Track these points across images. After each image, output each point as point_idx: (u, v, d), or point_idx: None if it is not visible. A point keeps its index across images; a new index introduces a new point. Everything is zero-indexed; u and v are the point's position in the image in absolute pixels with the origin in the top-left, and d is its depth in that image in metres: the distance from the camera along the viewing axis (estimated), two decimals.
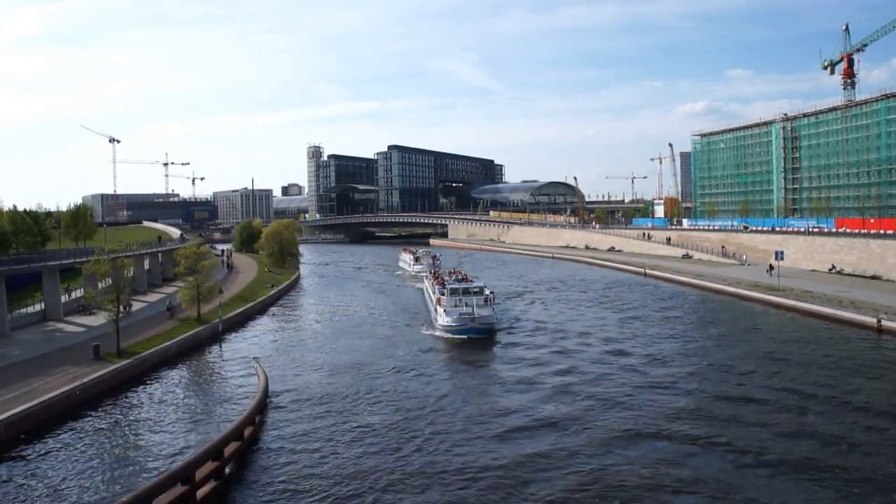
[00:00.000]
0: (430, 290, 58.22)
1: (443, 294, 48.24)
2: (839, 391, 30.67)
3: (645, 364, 36.50)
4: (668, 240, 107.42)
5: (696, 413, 27.79)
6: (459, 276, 58.27)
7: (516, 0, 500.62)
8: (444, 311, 46.17)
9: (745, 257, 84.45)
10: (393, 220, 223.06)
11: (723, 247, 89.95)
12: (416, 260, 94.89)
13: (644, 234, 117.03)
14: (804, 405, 28.53)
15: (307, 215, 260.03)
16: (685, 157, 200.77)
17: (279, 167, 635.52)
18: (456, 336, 44.67)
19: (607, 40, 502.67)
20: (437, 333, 46.38)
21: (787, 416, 27.18)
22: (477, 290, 48.35)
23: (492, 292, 49.97)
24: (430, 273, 66.12)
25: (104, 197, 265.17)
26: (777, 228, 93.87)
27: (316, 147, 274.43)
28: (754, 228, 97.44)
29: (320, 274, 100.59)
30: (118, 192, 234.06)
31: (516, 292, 69.12)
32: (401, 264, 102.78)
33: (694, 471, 21.88)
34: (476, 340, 43.81)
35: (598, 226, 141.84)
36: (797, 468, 21.93)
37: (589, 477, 21.52)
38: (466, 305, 45.86)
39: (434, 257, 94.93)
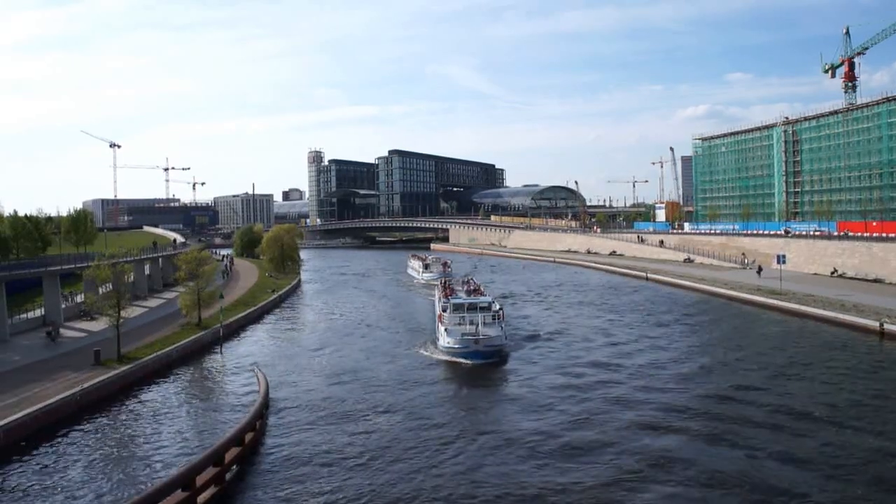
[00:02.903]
0: (437, 301, 52.12)
1: (445, 310, 42.95)
2: (842, 394, 30.60)
3: (669, 397, 31.10)
4: (661, 242, 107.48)
5: (709, 422, 27.57)
6: (471, 287, 54.95)
7: (515, 4, 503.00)
8: (446, 330, 40.49)
9: (746, 261, 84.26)
10: (394, 224, 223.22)
11: (743, 253, 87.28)
12: (426, 267, 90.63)
13: (638, 237, 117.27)
14: (807, 407, 28.41)
15: (308, 220, 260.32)
16: (686, 160, 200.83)
17: (280, 172, 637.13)
18: (457, 360, 38.86)
19: (607, 44, 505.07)
20: (438, 356, 40.59)
21: (791, 418, 27.08)
22: (484, 305, 42.96)
23: (501, 308, 44.37)
24: (441, 282, 61.38)
25: (104, 202, 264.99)
26: (780, 232, 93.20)
27: (317, 152, 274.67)
28: (796, 233, 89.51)
29: (322, 279, 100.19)
30: (119, 197, 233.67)
31: (520, 298, 68.96)
32: (409, 271, 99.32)
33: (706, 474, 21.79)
34: (481, 365, 37.93)
35: (599, 230, 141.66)
36: (803, 469, 21.83)
37: None
38: (471, 324, 40.16)
39: (445, 264, 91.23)
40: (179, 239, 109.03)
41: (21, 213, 70.43)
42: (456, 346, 39.17)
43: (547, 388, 33.19)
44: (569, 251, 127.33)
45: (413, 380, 35.71)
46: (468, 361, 38.36)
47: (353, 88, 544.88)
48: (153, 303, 61.68)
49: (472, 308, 42.25)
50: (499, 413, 30.11)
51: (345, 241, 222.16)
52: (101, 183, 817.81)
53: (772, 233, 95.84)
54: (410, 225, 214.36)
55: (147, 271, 69.76)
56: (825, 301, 52.31)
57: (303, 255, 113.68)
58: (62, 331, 46.90)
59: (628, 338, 45.96)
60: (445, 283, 59.02)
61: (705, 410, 28.68)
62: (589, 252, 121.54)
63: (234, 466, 22.94)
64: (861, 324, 45.00)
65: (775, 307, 54.95)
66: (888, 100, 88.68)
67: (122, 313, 38.23)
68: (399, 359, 41.07)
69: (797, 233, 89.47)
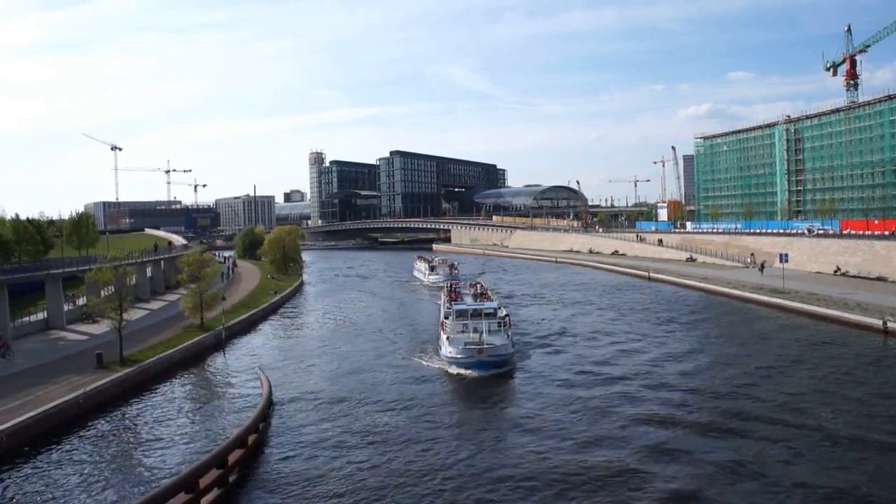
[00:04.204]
0: (442, 305, 49.59)
1: (447, 316, 40.44)
2: (847, 394, 30.53)
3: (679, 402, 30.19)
4: (660, 241, 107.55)
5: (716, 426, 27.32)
6: (478, 290, 53.07)
7: (516, 5, 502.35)
8: (448, 338, 37.55)
9: (749, 260, 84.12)
10: (396, 225, 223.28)
11: (752, 254, 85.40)
12: (432, 269, 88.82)
13: (638, 236, 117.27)
14: (812, 408, 28.38)
15: (310, 221, 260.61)
16: (688, 160, 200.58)
17: (281, 174, 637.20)
18: (460, 370, 35.80)
19: (607, 44, 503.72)
20: (441, 365, 37.58)
21: (796, 418, 27.00)
22: (489, 311, 39.88)
23: (508, 314, 41.70)
24: (447, 285, 59.32)
25: (106, 205, 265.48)
26: (802, 230, 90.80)
27: (318, 153, 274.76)
28: (819, 231, 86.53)
29: (324, 281, 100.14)
30: (120, 199, 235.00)
31: (523, 299, 68.77)
32: (415, 273, 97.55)
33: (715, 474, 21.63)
34: (485, 376, 35.03)
35: (601, 230, 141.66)
36: (807, 469, 21.75)
37: None
38: (474, 331, 37.32)
39: (451, 266, 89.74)
40: (178, 240, 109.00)
41: (23, 217, 70.37)
42: (459, 355, 36.08)
43: (557, 405, 30.35)
44: (571, 251, 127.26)
45: (413, 392, 33.53)
46: (472, 372, 35.33)
47: (353, 89, 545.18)
48: (155, 305, 61.73)
49: (477, 314, 39.21)
50: (505, 434, 27.21)
51: (355, 241, 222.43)
52: (102, 185, 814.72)
53: (774, 231, 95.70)
54: (412, 226, 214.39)
55: (149, 273, 69.76)
56: (828, 300, 52.20)
57: (305, 256, 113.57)
58: (64, 334, 47.00)
59: (637, 345, 43.93)
60: (451, 286, 56.60)
61: (722, 426, 26.77)
62: (591, 252, 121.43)
63: (238, 469, 22.89)
64: (865, 322, 44.86)
65: (779, 306, 54.82)
66: (890, 98, 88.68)
67: (124, 316, 38.25)
68: (400, 367, 38.92)
69: (820, 230, 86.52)
